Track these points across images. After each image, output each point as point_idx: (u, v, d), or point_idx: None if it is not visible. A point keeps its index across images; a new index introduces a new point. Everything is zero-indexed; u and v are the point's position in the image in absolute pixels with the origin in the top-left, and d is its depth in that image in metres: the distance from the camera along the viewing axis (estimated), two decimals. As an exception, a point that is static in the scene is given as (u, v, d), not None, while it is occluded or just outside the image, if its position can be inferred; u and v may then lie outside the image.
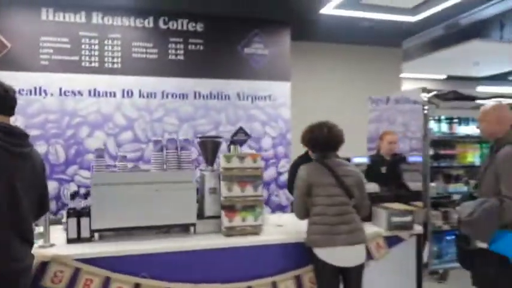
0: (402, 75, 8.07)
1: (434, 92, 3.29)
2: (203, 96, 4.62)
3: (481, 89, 9.19)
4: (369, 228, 3.11)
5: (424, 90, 3.16)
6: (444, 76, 8.71)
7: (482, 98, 3.30)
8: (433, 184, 3.62)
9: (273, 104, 4.89)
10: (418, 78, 8.47)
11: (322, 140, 2.70)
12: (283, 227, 3.20)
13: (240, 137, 2.79)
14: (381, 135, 4.14)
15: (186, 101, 4.57)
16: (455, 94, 3.22)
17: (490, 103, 2.83)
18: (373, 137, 4.51)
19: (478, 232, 2.59)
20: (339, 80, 5.73)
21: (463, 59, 6.69)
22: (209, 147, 3.01)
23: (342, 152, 4.30)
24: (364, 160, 3.49)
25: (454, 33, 5.57)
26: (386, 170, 3.94)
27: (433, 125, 3.52)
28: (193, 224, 2.87)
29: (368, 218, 3.28)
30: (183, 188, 2.83)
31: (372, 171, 3.83)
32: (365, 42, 5.74)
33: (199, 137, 3.14)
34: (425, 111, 3.18)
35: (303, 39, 5.29)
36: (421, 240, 3.25)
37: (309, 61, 5.63)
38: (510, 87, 9.33)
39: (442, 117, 3.49)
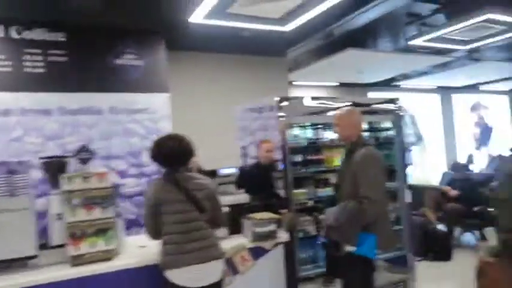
0: (296, 83, 8.37)
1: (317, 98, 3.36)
2: (70, 112, 4.24)
3: (371, 94, 9.87)
4: (234, 241, 3.04)
5: (279, 98, 3.19)
6: (337, 83, 9.16)
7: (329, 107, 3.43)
8: (304, 190, 3.68)
9: (152, 117, 4.66)
10: (312, 85, 8.81)
11: (170, 155, 2.55)
12: (146, 247, 3.00)
13: (82, 155, 2.54)
14: (258, 143, 4.14)
15: (50, 117, 4.15)
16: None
17: (343, 108, 2.93)
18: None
19: (346, 236, 2.64)
20: (222, 90, 5.69)
21: (345, 67, 7.06)
22: (52, 168, 2.72)
23: (224, 161, 4.22)
24: (233, 170, 3.43)
25: (330, 42, 5.83)
26: (261, 178, 3.93)
27: (298, 131, 3.58)
28: (33, 257, 2.55)
29: (238, 229, 3.22)
30: (16, 217, 2.51)
31: (244, 181, 3.79)
32: (249, 51, 5.78)
33: (41, 158, 2.82)
34: (282, 119, 3.21)
35: (182, 48, 5.16)
36: (290, 247, 3.26)
37: (190, 71, 5.51)
38: (395, 93, 10.14)
39: (307, 123, 3.57)
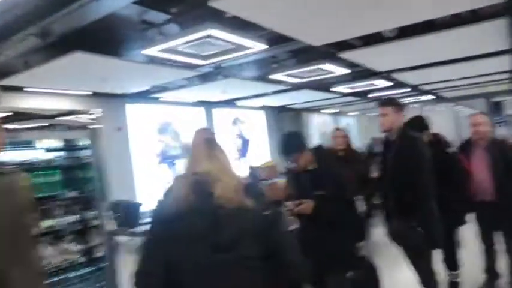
0: (30, 89, 6.99)
1: None
2: None
3: (129, 107, 9.28)
4: None
5: None
6: (89, 92, 8.15)
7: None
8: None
9: None
10: (56, 93, 7.57)
11: None
12: None
13: None
14: None
15: None
16: None
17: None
18: None
19: None
20: None
21: (83, 74, 6.20)
22: None
23: None
24: None
25: (54, 42, 4.88)
26: None
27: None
28: None
29: None
30: None
31: None
32: None
33: None
34: None
35: None
36: None
37: None
38: (157, 105, 9.88)
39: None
